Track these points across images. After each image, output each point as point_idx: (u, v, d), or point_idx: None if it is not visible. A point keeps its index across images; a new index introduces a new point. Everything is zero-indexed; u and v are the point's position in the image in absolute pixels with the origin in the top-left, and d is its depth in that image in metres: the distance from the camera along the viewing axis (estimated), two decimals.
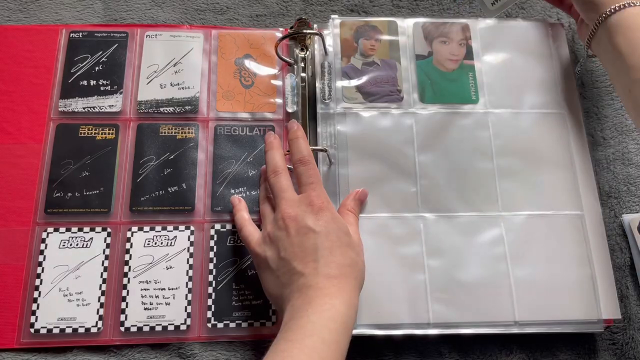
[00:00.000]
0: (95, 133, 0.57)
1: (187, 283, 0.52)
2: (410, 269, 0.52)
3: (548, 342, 0.52)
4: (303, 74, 0.59)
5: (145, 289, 0.52)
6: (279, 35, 0.62)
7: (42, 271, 0.52)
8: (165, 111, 0.58)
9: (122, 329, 0.51)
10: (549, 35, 0.62)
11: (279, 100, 0.60)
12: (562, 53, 0.61)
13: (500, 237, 0.53)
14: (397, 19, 0.62)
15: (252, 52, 0.62)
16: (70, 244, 0.53)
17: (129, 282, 0.52)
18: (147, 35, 0.61)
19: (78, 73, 0.59)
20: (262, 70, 0.61)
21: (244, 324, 0.51)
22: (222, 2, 0.65)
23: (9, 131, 0.57)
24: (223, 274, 0.53)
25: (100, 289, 0.52)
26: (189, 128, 0.58)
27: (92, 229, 0.54)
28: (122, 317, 0.51)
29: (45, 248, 0.53)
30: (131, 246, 0.53)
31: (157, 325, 0.51)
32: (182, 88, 0.59)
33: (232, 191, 0.56)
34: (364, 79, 0.59)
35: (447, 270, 0.52)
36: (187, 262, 0.53)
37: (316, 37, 0.60)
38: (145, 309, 0.51)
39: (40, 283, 0.52)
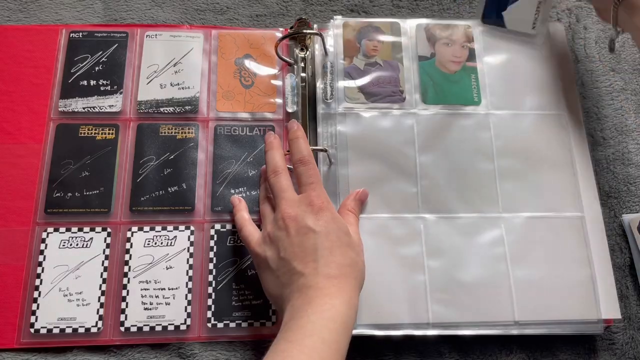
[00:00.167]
0: (95, 133, 0.57)
1: (187, 283, 0.52)
2: (410, 269, 0.52)
3: (548, 342, 0.52)
4: (303, 74, 0.59)
5: (145, 289, 0.52)
6: (279, 35, 0.62)
7: (42, 271, 0.52)
8: (165, 111, 0.58)
9: (122, 329, 0.51)
10: (549, 35, 0.62)
11: (279, 100, 0.60)
12: (562, 53, 0.61)
13: (500, 238, 0.53)
14: (400, 19, 0.62)
15: (252, 52, 0.62)
16: (70, 244, 0.53)
17: (129, 282, 0.52)
18: (147, 35, 0.61)
19: (78, 73, 0.59)
20: (262, 70, 0.61)
21: (244, 324, 0.51)
22: (222, 2, 0.65)
23: (9, 131, 0.57)
24: (223, 274, 0.53)
25: (100, 289, 0.52)
26: (189, 128, 0.58)
27: (92, 229, 0.54)
28: (122, 317, 0.51)
29: (45, 248, 0.53)
30: (131, 246, 0.53)
31: (157, 325, 0.51)
32: (182, 88, 0.59)
33: (232, 191, 0.56)
34: (367, 79, 0.59)
35: (447, 271, 0.52)
36: (187, 262, 0.53)
37: (316, 37, 0.60)
38: (145, 309, 0.51)
39: (40, 283, 0.52)
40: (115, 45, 0.60)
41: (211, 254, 0.54)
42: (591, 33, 0.66)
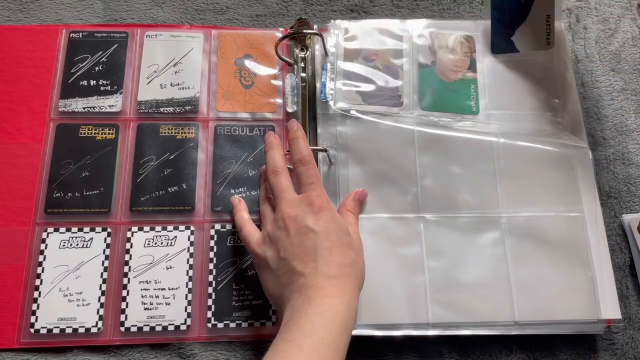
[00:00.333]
0: (95, 133, 0.57)
1: (187, 283, 0.52)
2: (410, 269, 0.52)
3: (548, 342, 0.52)
4: (303, 74, 0.59)
5: (145, 289, 0.52)
6: (279, 35, 0.62)
7: (42, 271, 0.52)
8: (165, 111, 0.58)
9: (122, 329, 0.51)
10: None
11: (279, 100, 0.60)
12: (562, 53, 0.61)
13: (500, 238, 0.53)
14: (402, 25, 0.61)
15: (252, 52, 0.62)
16: (71, 244, 0.53)
17: (129, 282, 0.52)
18: (147, 35, 0.61)
19: (78, 73, 0.59)
20: (262, 70, 0.61)
21: (244, 324, 0.52)
22: (222, 2, 0.65)
23: (9, 131, 0.57)
24: (223, 274, 0.53)
25: (100, 289, 0.52)
26: (189, 128, 0.58)
27: (92, 229, 0.54)
28: (122, 317, 0.51)
29: (45, 248, 0.53)
30: (131, 246, 0.53)
31: (157, 325, 0.51)
32: (182, 88, 0.59)
33: (232, 191, 0.56)
34: (366, 82, 0.59)
35: (447, 271, 0.52)
36: (187, 262, 0.53)
37: (316, 37, 0.60)
38: (146, 309, 0.51)
39: (41, 283, 0.52)
40: (115, 46, 0.60)
41: (211, 254, 0.54)
42: (591, 33, 0.66)
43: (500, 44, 0.60)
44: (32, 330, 0.50)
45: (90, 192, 0.55)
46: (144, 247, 0.53)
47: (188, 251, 0.54)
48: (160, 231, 0.54)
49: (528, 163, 0.56)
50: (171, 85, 0.59)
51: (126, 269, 0.53)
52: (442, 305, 0.51)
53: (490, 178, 0.56)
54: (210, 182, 0.56)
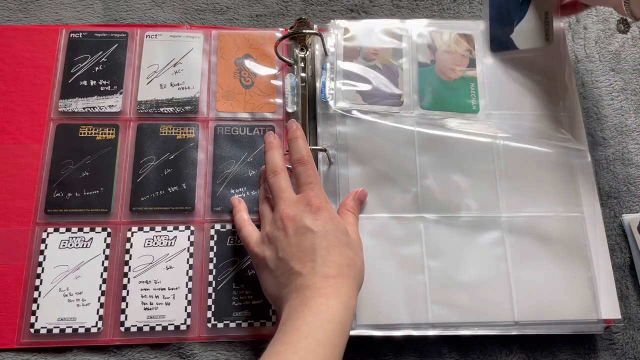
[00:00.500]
0: (95, 133, 0.57)
1: (187, 283, 0.52)
2: (410, 269, 0.52)
3: (548, 342, 0.52)
4: (303, 74, 0.59)
5: (145, 289, 0.52)
6: (279, 35, 0.62)
7: (42, 271, 0.52)
8: (165, 111, 0.58)
9: (122, 329, 0.51)
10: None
11: (279, 101, 0.60)
12: (562, 53, 0.61)
13: (500, 238, 0.53)
14: (402, 24, 0.61)
15: (252, 52, 0.62)
16: (70, 244, 0.53)
17: (129, 282, 0.52)
18: (147, 36, 0.61)
19: (78, 73, 0.59)
20: (262, 70, 0.61)
21: (244, 324, 0.52)
22: (222, 2, 0.65)
23: (9, 131, 0.57)
24: (223, 274, 0.53)
25: (100, 289, 0.52)
26: (189, 128, 0.58)
27: (92, 229, 0.54)
28: (122, 317, 0.51)
29: (45, 248, 0.53)
30: (131, 246, 0.53)
31: (157, 325, 0.51)
32: (182, 88, 0.59)
33: (232, 191, 0.56)
34: (366, 82, 0.59)
35: (447, 271, 0.52)
36: (187, 262, 0.53)
37: (316, 37, 0.60)
38: (146, 309, 0.51)
39: (40, 283, 0.52)
40: (115, 46, 0.60)
41: (211, 254, 0.54)
42: (591, 33, 0.66)
43: (500, 41, 0.60)
44: (32, 330, 0.50)
45: (90, 192, 0.55)
46: (144, 247, 0.53)
47: (188, 251, 0.54)
48: (160, 231, 0.54)
49: (528, 163, 0.56)
50: (171, 85, 0.59)
51: (126, 269, 0.53)
52: (442, 305, 0.51)
53: (490, 178, 0.56)
54: (210, 182, 0.56)
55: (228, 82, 0.60)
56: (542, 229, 0.54)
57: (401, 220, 0.54)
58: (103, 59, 0.60)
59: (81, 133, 0.57)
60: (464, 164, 0.56)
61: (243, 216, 0.52)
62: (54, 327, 0.50)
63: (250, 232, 0.50)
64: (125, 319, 0.51)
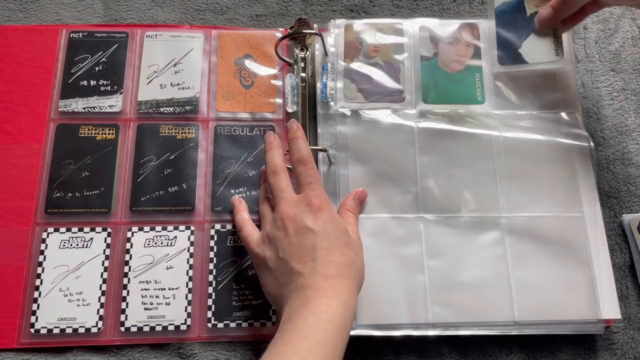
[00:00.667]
0: (95, 133, 0.57)
1: (187, 283, 0.52)
2: (410, 269, 0.52)
3: (548, 342, 0.52)
4: (303, 74, 0.59)
5: (145, 289, 0.52)
6: (279, 35, 0.62)
7: (43, 271, 0.52)
8: (166, 111, 0.58)
9: (122, 329, 0.51)
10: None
11: (279, 101, 0.60)
12: (572, 69, 0.61)
13: (500, 238, 0.53)
14: (403, 20, 0.61)
15: (252, 52, 0.62)
16: (71, 244, 0.53)
17: (129, 282, 0.52)
18: (147, 36, 0.61)
19: (78, 73, 0.59)
20: (262, 70, 0.61)
21: (244, 324, 0.52)
22: (222, 2, 0.65)
23: (9, 131, 0.57)
24: (223, 274, 0.53)
25: (100, 289, 0.52)
26: (189, 128, 0.58)
27: (93, 229, 0.54)
28: (122, 317, 0.51)
29: (46, 248, 0.53)
30: (131, 246, 0.53)
31: (157, 325, 0.51)
32: (182, 88, 0.59)
33: (232, 191, 0.56)
34: (366, 79, 0.59)
35: (447, 271, 0.52)
36: (187, 262, 0.53)
37: (316, 37, 0.60)
38: (146, 309, 0.51)
39: (41, 283, 0.52)
40: (116, 46, 0.60)
41: (211, 254, 0.54)
42: (591, 33, 0.66)
43: (508, 56, 0.59)
44: (32, 330, 0.50)
45: (91, 192, 0.55)
46: (144, 247, 0.53)
47: (188, 251, 0.54)
48: (160, 231, 0.54)
49: (528, 163, 0.56)
50: (171, 85, 0.59)
51: (126, 269, 0.53)
52: (442, 305, 0.51)
53: (490, 178, 0.55)
54: (210, 182, 0.56)
55: (228, 82, 0.60)
56: (542, 229, 0.54)
57: (401, 220, 0.54)
58: (103, 59, 0.60)
59: (81, 133, 0.57)
60: (464, 164, 0.56)
61: (243, 216, 0.52)
62: (54, 327, 0.50)
63: (251, 232, 0.50)
64: (126, 319, 0.51)
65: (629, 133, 0.61)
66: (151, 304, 0.52)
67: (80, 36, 0.61)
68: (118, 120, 0.58)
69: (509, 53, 0.59)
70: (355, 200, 0.53)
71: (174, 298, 0.52)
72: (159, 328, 0.51)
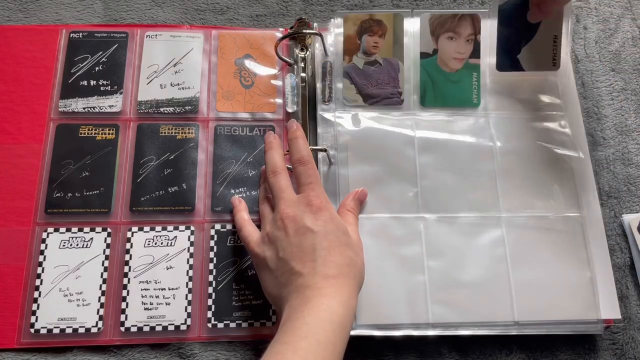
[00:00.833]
0: (95, 133, 0.57)
1: (187, 283, 0.52)
2: (410, 269, 0.52)
3: (548, 342, 0.52)
4: (303, 74, 0.59)
5: (145, 289, 0.52)
6: (279, 35, 0.62)
7: (42, 271, 0.52)
8: (165, 111, 0.58)
9: (122, 329, 0.51)
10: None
11: (279, 101, 0.60)
12: (569, 80, 0.60)
13: (500, 238, 0.53)
14: (404, 11, 0.60)
15: (252, 52, 0.62)
16: (71, 244, 0.53)
17: (129, 282, 0.52)
18: (147, 36, 0.61)
19: (78, 73, 0.59)
20: (262, 70, 0.61)
21: (244, 324, 0.52)
22: (222, 2, 0.65)
23: (9, 131, 0.57)
24: (223, 274, 0.53)
25: (100, 289, 0.52)
26: (189, 128, 0.58)
27: (93, 229, 0.54)
28: (122, 317, 0.51)
29: (46, 248, 0.53)
30: (131, 246, 0.53)
31: (157, 325, 0.51)
32: (182, 88, 0.59)
33: (232, 191, 0.56)
34: (366, 79, 0.58)
35: (447, 271, 0.52)
36: (187, 262, 0.53)
37: (316, 37, 0.60)
38: (146, 309, 0.51)
39: (41, 283, 0.52)
40: (115, 46, 0.60)
41: (211, 254, 0.54)
42: (591, 33, 0.66)
43: (506, 61, 0.59)
44: (32, 331, 0.50)
45: (91, 192, 0.55)
46: (144, 247, 0.53)
47: (188, 251, 0.54)
48: (160, 231, 0.54)
49: (527, 163, 0.56)
50: (171, 85, 0.59)
51: (126, 269, 0.53)
52: (442, 305, 0.51)
53: (490, 178, 0.55)
54: (210, 182, 0.56)
55: (228, 82, 0.60)
56: (542, 229, 0.54)
57: (401, 220, 0.54)
58: (103, 59, 0.60)
59: (81, 133, 0.57)
60: (464, 164, 0.56)
61: (243, 216, 0.52)
62: (54, 327, 0.50)
63: (251, 232, 0.50)
64: (126, 319, 0.51)
65: (629, 133, 0.61)
66: (151, 304, 0.52)
67: (80, 36, 0.61)
68: (118, 120, 0.58)
69: (507, 59, 0.59)
70: (355, 200, 0.53)
71: (174, 298, 0.52)
72: (159, 328, 0.51)
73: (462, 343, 0.52)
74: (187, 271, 0.53)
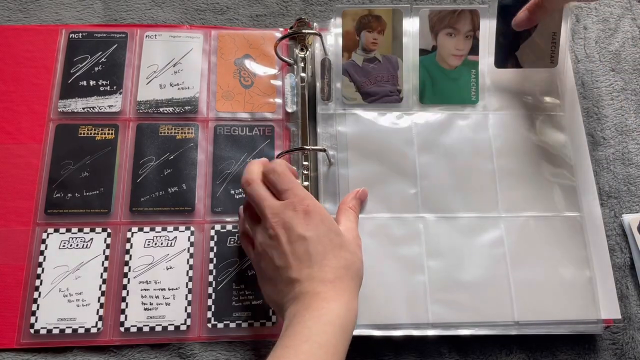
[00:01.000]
0: (94, 133, 0.57)
1: (187, 283, 0.52)
2: (410, 269, 0.52)
3: (548, 342, 0.52)
4: (303, 74, 0.59)
5: (145, 289, 0.52)
6: (278, 35, 0.62)
7: (42, 272, 0.52)
8: (165, 111, 0.58)
9: (122, 329, 0.51)
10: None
11: (279, 100, 0.60)
12: (567, 77, 0.60)
13: (500, 238, 0.53)
14: (403, 6, 0.59)
15: (252, 52, 0.62)
16: (71, 245, 0.53)
17: (128, 282, 0.52)
18: (146, 36, 0.61)
19: (77, 73, 0.59)
20: (262, 70, 0.61)
21: (244, 324, 0.51)
22: (222, 2, 0.65)
23: (9, 131, 0.57)
24: (223, 274, 0.53)
25: (100, 289, 0.52)
26: (188, 128, 0.58)
27: (92, 230, 0.54)
28: (122, 318, 0.51)
29: (45, 249, 0.53)
30: (131, 247, 0.53)
31: (157, 325, 0.51)
32: (182, 88, 0.59)
33: (232, 192, 0.56)
34: (365, 77, 0.58)
35: (447, 271, 0.52)
36: (187, 263, 0.53)
37: (316, 37, 0.60)
38: (145, 309, 0.51)
39: (40, 283, 0.52)
40: (115, 46, 0.60)
41: (211, 255, 0.54)
42: (591, 33, 0.66)
43: (504, 57, 0.59)
44: (31, 331, 0.50)
45: (90, 193, 0.55)
46: (144, 247, 0.53)
47: (188, 251, 0.54)
48: (160, 232, 0.54)
49: (527, 163, 0.56)
50: (171, 85, 0.59)
51: (126, 269, 0.53)
52: (442, 305, 0.51)
53: (489, 178, 0.55)
54: (210, 182, 0.56)
55: (227, 82, 0.60)
56: (542, 229, 0.54)
57: (401, 220, 0.54)
58: (102, 59, 0.60)
59: (81, 133, 0.57)
60: (464, 164, 0.56)
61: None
62: (54, 328, 0.50)
63: (249, 244, 0.50)
64: (125, 319, 0.51)
65: (629, 133, 0.61)
66: (151, 304, 0.51)
67: (80, 36, 0.61)
68: (117, 120, 0.58)
69: (505, 55, 0.59)
70: (356, 200, 0.53)
71: (174, 298, 0.52)
72: (158, 328, 0.51)
73: (462, 343, 0.52)
74: (187, 271, 0.53)
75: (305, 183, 0.55)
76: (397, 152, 0.56)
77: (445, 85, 0.59)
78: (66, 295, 0.51)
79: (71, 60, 0.60)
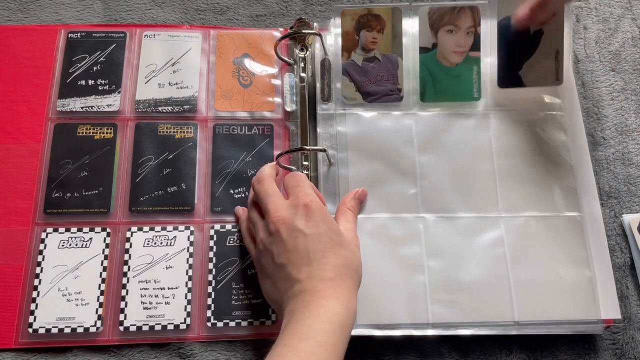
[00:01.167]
0: (93, 132, 0.57)
1: (186, 282, 0.52)
2: (410, 269, 0.52)
3: (548, 342, 0.52)
4: (303, 74, 0.59)
5: (144, 289, 0.52)
6: (277, 35, 0.62)
7: (41, 271, 0.52)
8: (164, 110, 0.58)
9: (122, 328, 0.51)
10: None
11: (278, 100, 0.60)
12: (572, 95, 0.60)
13: (500, 238, 0.53)
14: (402, 4, 0.59)
15: (251, 52, 0.62)
16: (70, 244, 0.53)
17: (128, 281, 0.52)
18: (145, 35, 0.61)
19: (76, 73, 0.59)
20: (260, 69, 0.61)
21: (244, 323, 0.51)
22: (222, 2, 0.65)
23: (8, 131, 0.57)
24: (223, 274, 0.53)
25: (99, 288, 0.52)
26: (187, 127, 0.58)
27: (92, 229, 0.54)
28: (122, 317, 0.51)
29: (45, 248, 0.53)
30: (130, 246, 0.53)
31: (156, 324, 0.51)
32: (181, 87, 0.59)
33: (232, 191, 0.56)
34: (365, 76, 0.58)
35: (447, 271, 0.52)
36: (187, 262, 0.53)
37: (316, 37, 0.60)
38: (145, 308, 0.51)
39: (39, 283, 0.52)
40: (114, 45, 0.60)
41: (211, 254, 0.54)
42: (591, 33, 0.65)
43: (507, 77, 0.58)
44: (30, 330, 0.50)
45: (89, 192, 0.55)
46: (144, 247, 0.53)
47: (187, 251, 0.53)
48: (159, 231, 0.54)
49: (527, 163, 0.56)
50: (169, 84, 0.59)
51: (125, 268, 0.53)
52: (442, 305, 0.51)
53: (489, 178, 0.55)
54: (209, 182, 0.56)
55: (226, 81, 0.60)
56: (542, 229, 0.54)
57: (401, 220, 0.54)
58: (101, 59, 0.60)
59: (79, 132, 0.57)
60: (464, 164, 0.56)
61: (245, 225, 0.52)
62: (53, 327, 0.50)
63: (251, 242, 0.50)
64: (125, 318, 0.51)
65: (629, 133, 0.61)
66: (150, 303, 0.51)
67: (79, 36, 0.61)
68: (116, 120, 0.58)
69: (508, 74, 0.58)
70: (355, 200, 0.53)
71: (174, 297, 0.52)
72: (158, 327, 0.51)
73: (462, 343, 0.52)
74: (187, 271, 0.53)
75: None
76: (397, 152, 0.56)
77: (447, 83, 0.58)
78: (65, 295, 0.51)
79: (70, 60, 0.60)
